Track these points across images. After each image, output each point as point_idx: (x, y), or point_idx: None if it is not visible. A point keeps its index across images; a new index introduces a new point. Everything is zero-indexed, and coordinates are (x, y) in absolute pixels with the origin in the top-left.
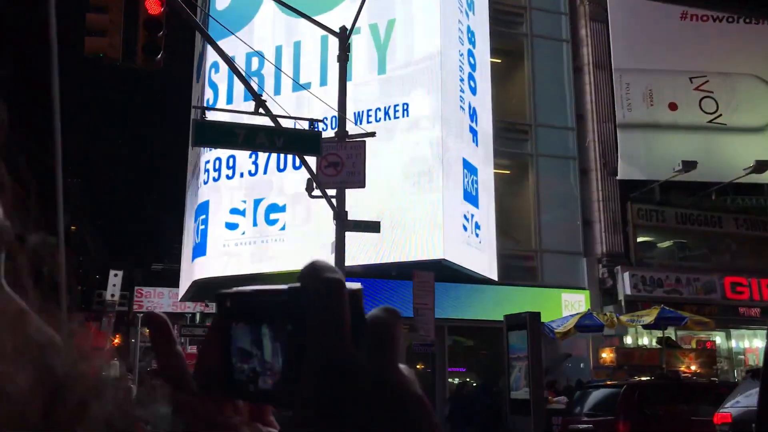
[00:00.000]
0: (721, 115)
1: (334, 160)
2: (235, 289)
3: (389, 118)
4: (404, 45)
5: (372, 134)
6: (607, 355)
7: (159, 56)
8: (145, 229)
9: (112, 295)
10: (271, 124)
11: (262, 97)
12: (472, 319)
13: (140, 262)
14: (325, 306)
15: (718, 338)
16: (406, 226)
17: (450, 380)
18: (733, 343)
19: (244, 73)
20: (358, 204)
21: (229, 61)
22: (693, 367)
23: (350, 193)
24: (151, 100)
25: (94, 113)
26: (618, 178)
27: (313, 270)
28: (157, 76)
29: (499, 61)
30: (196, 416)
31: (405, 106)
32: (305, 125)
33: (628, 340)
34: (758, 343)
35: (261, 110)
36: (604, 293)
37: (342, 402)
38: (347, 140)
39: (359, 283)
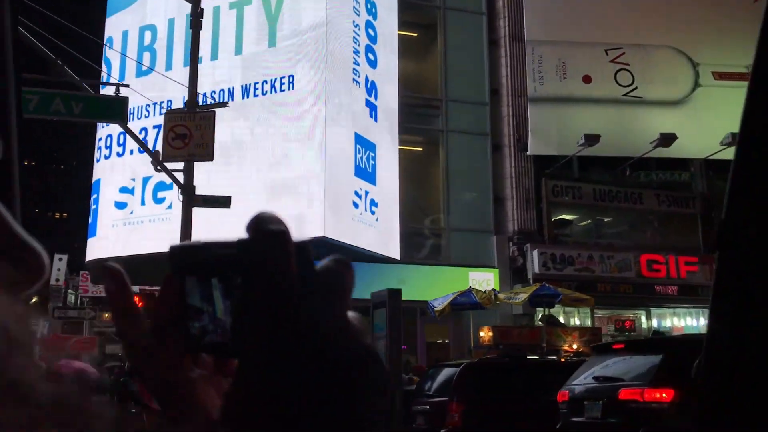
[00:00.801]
0: (636, 87)
1: (182, 131)
2: (185, 242)
3: (275, 91)
4: (292, 15)
5: (224, 104)
6: (485, 333)
7: None
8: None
9: (57, 280)
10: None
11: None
12: None
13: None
14: (270, 257)
15: (643, 317)
16: (289, 203)
17: None
18: (655, 322)
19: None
20: (240, 178)
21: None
22: (575, 346)
23: (228, 169)
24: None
25: None
26: (528, 153)
27: (258, 222)
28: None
29: (415, 34)
30: (155, 372)
31: (291, 79)
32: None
33: (538, 316)
34: (680, 322)
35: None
36: (515, 272)
37: (289, 353)
38: (197, 111)
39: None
